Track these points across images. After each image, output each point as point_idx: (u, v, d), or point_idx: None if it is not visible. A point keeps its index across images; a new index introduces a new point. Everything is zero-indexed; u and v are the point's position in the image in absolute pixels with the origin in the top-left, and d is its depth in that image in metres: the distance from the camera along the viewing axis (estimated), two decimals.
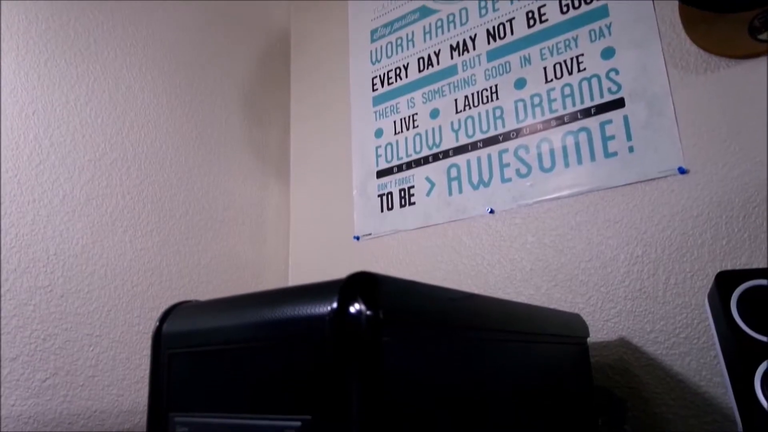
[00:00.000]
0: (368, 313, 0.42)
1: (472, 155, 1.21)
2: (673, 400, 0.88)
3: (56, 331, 1.01)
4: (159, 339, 0.55)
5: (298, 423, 0.41)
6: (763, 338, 0.68)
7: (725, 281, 0.73)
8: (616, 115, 1.04)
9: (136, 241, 1.17)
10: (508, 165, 1.15)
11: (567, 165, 1.08)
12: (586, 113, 1.08)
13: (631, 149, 1.01)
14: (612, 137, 1.03)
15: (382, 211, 1.33)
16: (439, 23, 1.34)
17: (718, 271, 0.74)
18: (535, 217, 1.09)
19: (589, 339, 0.87)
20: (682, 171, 0.95)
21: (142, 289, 1.16)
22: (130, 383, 1.10)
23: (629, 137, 1.01)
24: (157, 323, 0.56)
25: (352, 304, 0.43)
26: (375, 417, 0.40)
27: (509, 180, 1.15)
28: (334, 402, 0.40)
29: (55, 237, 1.04)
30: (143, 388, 1.12)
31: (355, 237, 1.37)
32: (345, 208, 1.40)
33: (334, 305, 0.43)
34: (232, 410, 0.46)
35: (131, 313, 1.13)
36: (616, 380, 0.94)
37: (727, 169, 0.91)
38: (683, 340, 0.89)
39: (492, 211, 1.15)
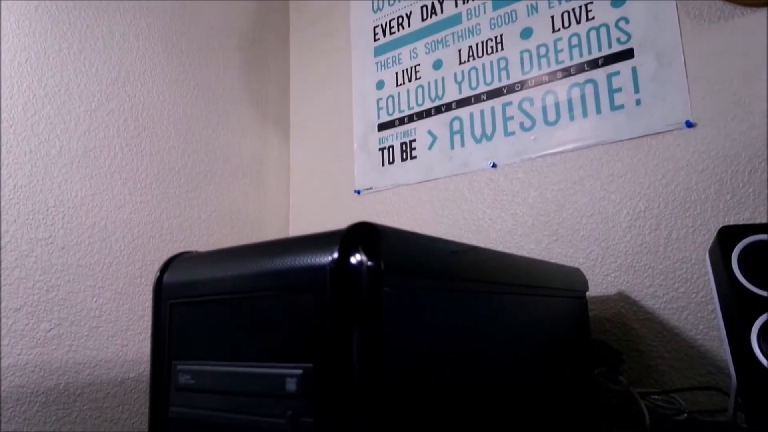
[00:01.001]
0: (369, 263, 0.42)
1: (475, 108, 1.19)
2: (668, 353, 0.90)
3: (59, 283, 1.02)
4: (160, 289, 0.55)
5: (300, 371, 0.42)
6: (763, 293, 0.69)
7: (727, 236, 0.72)
8: (624, 67, 1.01)
9: (136, 193, 1.17)
10: (511, 118, 1.13)
11: (572, 118, 1.06)
12: (594, 64, 1.05)
13: (638, 102, 0.99)
14: (619, 89, 1.01)
15: (383, 165, 1.32)
16: None
17: (721, 226, 0.74)
18: (538, 172, 1.08)
19: (588, 293, 0.87)
20: (689, 125, 0.93)
21: (142, 241, 1.16)
22: (134, 334, 1.12)
23: (637, 89, 0.99)
24: (158, 274, 0.56)
25: (353, 254, 0.42)
26: (376, 365, 0.40)
27: (512, 134, 1.13)
28: (336, 351, 0.40)
29: (54, 189, 1.03)
30: (147, 339, 1.14)
31: (355, 191, 1.36)
32: (346, 162, 1.39)
33: (335, 255, 0.42)
34: (234, 358, 0.47)
35: (133, 266, 1.14)
36: (614, 333, 0.95)
37: (735, 122, 0.89)
38: (682, 294, 0.90)
39: (494, 165, 1.14)
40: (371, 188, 1.33)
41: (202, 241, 1.29)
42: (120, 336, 1.09)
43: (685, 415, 0.85)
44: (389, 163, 1.30)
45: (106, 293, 1.08)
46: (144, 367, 1.12)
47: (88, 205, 1.08)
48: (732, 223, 0.87)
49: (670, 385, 0.88)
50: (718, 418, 0.84)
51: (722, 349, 0.85)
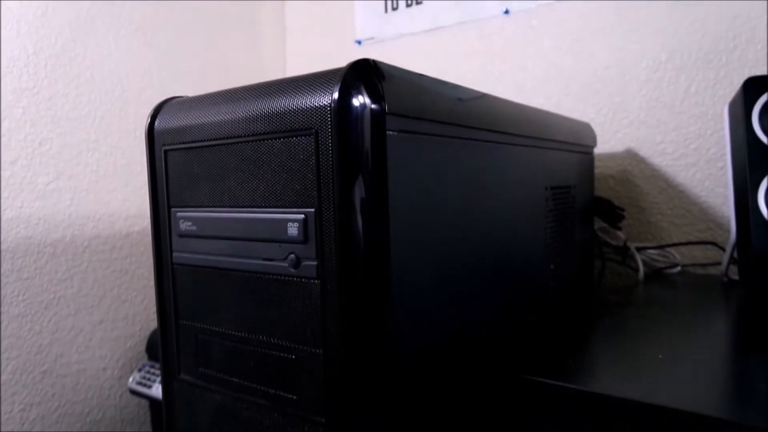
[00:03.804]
0: (373, 106, 0.39)
1: None
2: (670, 210, 0.90)
3: (51, 136, 0.99)
4: (152, 135, 0.52)
5: (302, 216, 0.40)
6: None
7: (753, 86, 0.68)
8: None
9: (121, 41, 1.09)
10: None
11: None
12: None
13: None
14: None
15: (386, 11, 1.21)
16: None
17: (746, 78, 0.69)
18: (555, 19, 0.99)
19: (595, 149, 0.85)
20: None
21: (133, 94, 1.11)
22: (134, 189, 1.11)
23: None
24: (149, 119, 0.53)
25: (354, 95, 0.39)
26: (379, 209, 0.39)
27: None
28: (337, 195, 0.38)
29: (31, 34, 0.96)
30: (147, 193, 1.14)
31: (357, 41, 1.27)
32: (345, 8, 1.28)
33: (335, 96, 0.39)
34: (234, 204, 0.45)
35: (125, 119, 1.10)
36: (617, 191, 0.94)
37: None
38: (692, 151, 0.87)
39: (507, 12, 1.05)
40: (373, 38, 1.24)
41: (194, 94, 1.24)
42: (120, 191, 1.09)
43: (679, 268, 0.87)
44: (393, 9, 1.20)
45: (101, 147, 1.06)
46: (148, 221, 1.14)
47: (71, 52, 1.01)
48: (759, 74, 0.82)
49: (668, 241, 0.90)
50: (710, 271, 0.87)
51: (725, 206, 0.85)
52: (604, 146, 0.94)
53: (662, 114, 0.89)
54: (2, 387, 0.93)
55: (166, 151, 0.51)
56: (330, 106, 0.39)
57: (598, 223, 0.90)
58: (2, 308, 0.92)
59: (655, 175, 0.91)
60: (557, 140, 0.70)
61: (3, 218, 0.93)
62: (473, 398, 0.51)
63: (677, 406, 0.39)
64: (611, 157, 0.94)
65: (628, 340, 0.54)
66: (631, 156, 0.92)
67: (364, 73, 0.39)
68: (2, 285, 0.93)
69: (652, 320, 0.61)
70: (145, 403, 1.12)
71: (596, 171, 0.94)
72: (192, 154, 0.49)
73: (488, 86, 1.08)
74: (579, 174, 0.78)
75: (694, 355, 0.49)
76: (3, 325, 0.93)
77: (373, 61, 0.40)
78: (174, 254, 0.51)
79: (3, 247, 0.93)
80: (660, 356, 0.49)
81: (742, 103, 0.68)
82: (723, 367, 0.47)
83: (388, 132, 0.40)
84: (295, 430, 0.42)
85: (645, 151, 0.91)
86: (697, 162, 0.87)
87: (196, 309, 0.49)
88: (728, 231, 0.85)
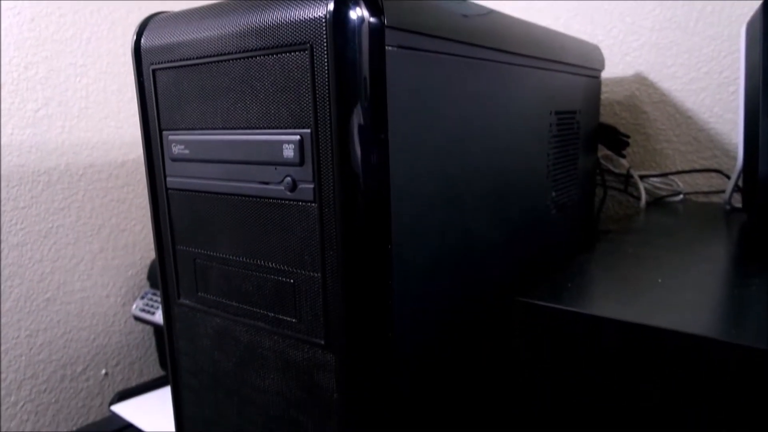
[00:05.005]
0: (371, 18, 0.37)
1: None
2: (676, 137, 0.88)
3: (36, 60, 0.95)
4: (139, 53, 0.50)
5: (298, 137, 0.39)
6: None
7: None
8: None
9: None
10: None
11: None
12: None
13: None
14: None
15: None
16: None
17: None
18: None
19: (602, 73, 0.82)
20: None
21: (120, 15, 1.06)
22: (127, 116, 1.08)
23: None
24: (135, 36, 0.50)
25: (351, 7, 0.36)
26: (377, 128, 0.37)
27: None
28: (334, 113, 0.37)
29: None
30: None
31: None
32: None
33: (330, 7, 0.36)
34: (227, 126, 0.44)
35: (114, 42, 1.05)
36: (623, 117, 0.92)
37: None
38: (704, 75, 0.84)
39: None
40: None
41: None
42: (113, 118, 1.06)
43: (681, 196, 0.86)
44: None
45: (89, 72, 1.02)
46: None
47: None
48: None
49: (672, 169, 0.88)
50: (712, 199, 0.86)
51: (734, 132, 0.83)
52: (612, 70, 0.91)
53: (675, 35, 0.85)
54: (7, 314, 0.94)
55: (154, 71, 0.48)
56: (325, 19, 0.36)
57: (602, 151, 0.88)
58: (2, 236, 0.92)
59: (663, 101, 0.88)
60: (565, 62, 0.67)
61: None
62: (472, 322, 0.51)
63: (674, 328, 0.39)
64: (619, 81, 0.91)
65: (627, 266, 0.54)
66: (639, 80, 0.89)
67: None
68: (1, 213, 0.92)
69: (652, 246, 0.61)
70: (150, 329, 1.15)
71: (602, 96, 0.91)
72: (181, 73, 0.46)
73: (494, 4, 1.02)
74: (585, 99, 0.75)
75: (694, 279, 0.49)
76: (3, 254, 0.93)
77: None
78: (168, 179, 0.50)
79: None
80: (659, 281, 0.48)
81: (762, 22, 0.64)
82: (723, 291, 0.47)
83: (387, 47, 0.37)
84: (294, 351, 0.43)
85: (654, 75, 0.88)
86: (708, 86, 0.84)
87: (192, 234, 0.49)
88: (734, 158, 0.83)
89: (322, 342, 0.41)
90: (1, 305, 0.93)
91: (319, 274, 0.40)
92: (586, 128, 0.76)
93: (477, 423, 0.54)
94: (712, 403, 0.38)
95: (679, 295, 0.45)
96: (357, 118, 0.37)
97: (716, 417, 0.38)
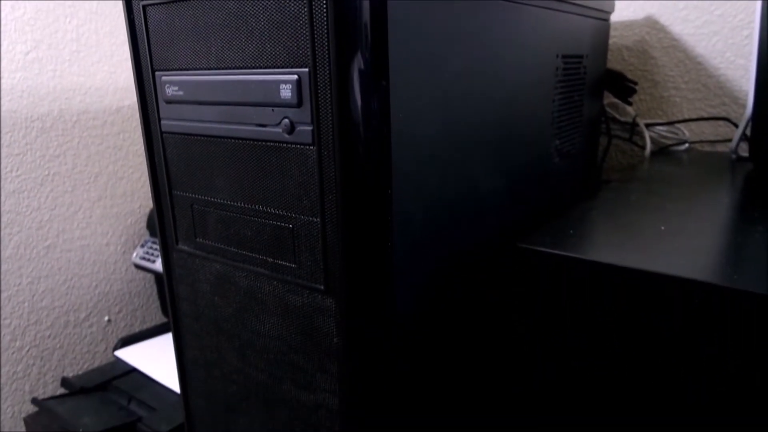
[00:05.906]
0: None
1: None
2: (685, 84, 0.85)
3: None
4: None
5: (295, 76, 0.37)
6: None
7: None
8: None
9: None
10: None
11: None
12: None
13: None
14: None
15: None
16: None
17: None
18: None
19: (611, 16, 0.79)
20: None
21: None
22: (120, 60, 1.05)
23: None
24: None
25: None
26: (377, 66, 0.36)
27: None
28: (333, 51, 0.35)
29: None
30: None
31: None
32: None
33: None
34: (222, 66, 0.42)
35: None
36: (631, 63, 0.89)
37: None
38: (717, 18, 0.81)
39: None
40: None
41: None
42: (105, 62, 1.03)
43: (687, 145, 0.85)
44: None
45: (79, 13, 0.98)
46: None
47: None
48: None
49: (679, 117, 0.86)
50: (718, 148, 0.84)
51: (744, 79, 0.80)
52: (622, 13, 0.88)
53: None
54: (8, 261, 0.94)
55: (144, 7, 0.46)
56: None
57: (608, 98, 0.86)
58: None
59: (673, 46, 0.85)
60: (573, 2, 0.64)
61: None
62: (473, 269, 0.51)
63: (676, 273, 0.38)
64: (628, 25, 0.88)
65: (630, 214, 0.53)
66: (650, 24, 0.86)
67: None
68: None
69: (656, 194, 0.60)
70: (151, 276, 1.15)
71: (611, 41, 0.88)
72: (173, 9, 0.44)
73: None
74: (593, 43, 0.73)
75: (697, 226, 0.49)
76: (1, 200, 0.92)
77: None
78: (162, 122, 0.48)
79: None
80: (662, 228, 0.48)
81: None
82: (726, 238, 0.47)
83: None
84: (294, 296, 0.43)
85: (665, 18, 0.85)
86: (721, 30, 0.81)
87: (189, 179, 0.48)
88: (743, 106, 0.81)
89: (322, 287, 0.40)
90: (2, 252, 0.93)
91: (318, 219, 0.39)
92: (592, 74, 0.74)
93: (476, 381, 0.54)
94: (714, 349, 0.38)
95: (682, 242, 0.45)
96: (356, 56, 0.35)
97: (719, 363, 0.38)
